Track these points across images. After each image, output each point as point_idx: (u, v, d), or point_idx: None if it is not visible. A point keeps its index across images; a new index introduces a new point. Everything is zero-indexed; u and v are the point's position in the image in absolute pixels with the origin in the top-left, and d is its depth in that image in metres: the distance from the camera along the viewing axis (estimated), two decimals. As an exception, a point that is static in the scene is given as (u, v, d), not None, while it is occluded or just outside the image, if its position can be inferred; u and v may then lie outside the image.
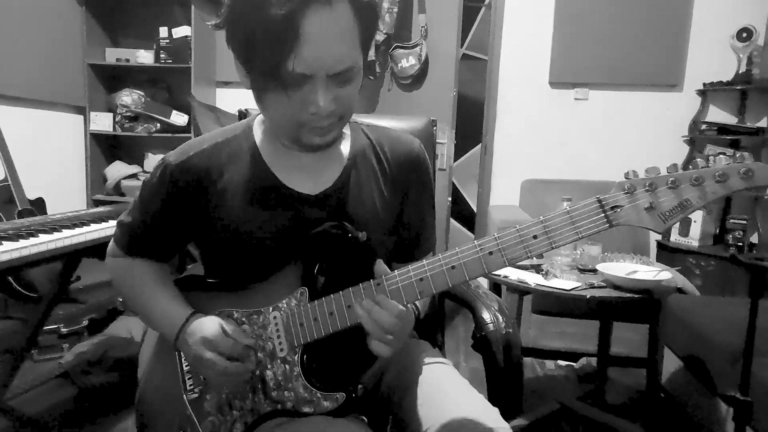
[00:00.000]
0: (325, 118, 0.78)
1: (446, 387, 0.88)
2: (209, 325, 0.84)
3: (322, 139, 0.81)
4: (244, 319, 0.87)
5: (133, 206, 0.93)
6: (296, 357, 0.83)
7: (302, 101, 0.75)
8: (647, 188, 0.69)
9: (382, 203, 0.92)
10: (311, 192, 0.88)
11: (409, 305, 0.80)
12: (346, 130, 0.95)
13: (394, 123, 1.37)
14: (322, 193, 0.88)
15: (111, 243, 0.97)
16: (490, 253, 0.73)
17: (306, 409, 0.82)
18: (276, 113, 0.80)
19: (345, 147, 0.92)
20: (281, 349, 0.84)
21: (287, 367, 0.84)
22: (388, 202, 0.93)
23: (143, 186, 0.92)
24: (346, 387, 0.83)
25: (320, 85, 0.74)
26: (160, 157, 3.23)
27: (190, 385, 0.89)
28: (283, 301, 0.84)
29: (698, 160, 0.70)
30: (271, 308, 0.85)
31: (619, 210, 0.69)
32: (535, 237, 0.71)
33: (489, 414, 0.82)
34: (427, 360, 0.93)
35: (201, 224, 0.89)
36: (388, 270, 0.80)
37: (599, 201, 0.70)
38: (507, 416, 0.84)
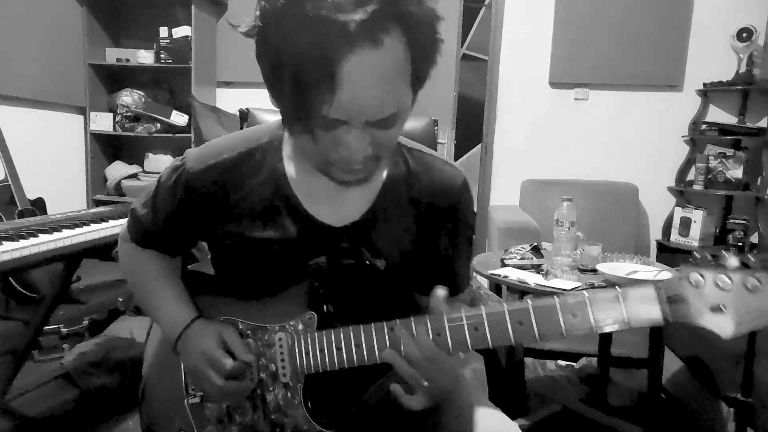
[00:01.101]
0: (358, 162, 0.68)
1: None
2: (209, 338, 0.82)
3: (353, 177, 0.71)
4: (248, 332, 0.84)
5: (146, 199, 0.89)
6: (299, 385, 0.80)
7: (333, 142, 0.66)
8: (721, 286, 0.58)
9: (408, 239, 0.84)
10: (335, 224, 0.81)
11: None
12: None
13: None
14: (347, 226, 0.81)
15: (123, 226, 0.94)
16: (520, 322, 0.66)
17: None
18: (303, 147, 0.71)
19: (379, 174, 0.82)
20: (284, 374, 0.81)
21: (289, 393, 0.81)
22: (416, 237, 0.85)
23: (158, 183, 0.87)
24: (346, 427, 0.80)
25: (355, 131, 0.64)
26: (160, 157, 3.19)
27: (191, 390, 0.88)
28: (291, 323, 0.80)
29: None
30: (277, 327, 0.81)
31: (680, 304, 0.59)
32: (574, 315, 0.64)
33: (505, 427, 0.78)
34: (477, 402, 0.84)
35: (212, 232, 0.86)
36: (443, 302, 0.72)
37: (658, 288, 0.61)
38: (510, 417, 0.84)
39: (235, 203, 0.81)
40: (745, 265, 0.57)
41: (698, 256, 0.59)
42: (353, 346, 0.75)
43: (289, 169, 0.82)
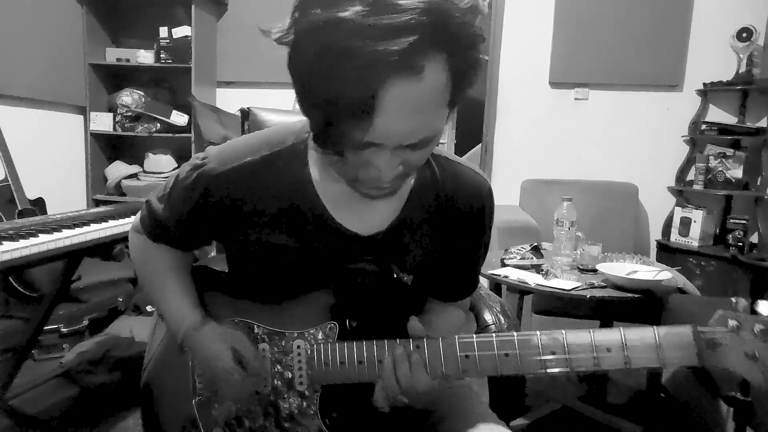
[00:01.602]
0: (387, 180, 0.67)
1: (471, 415, 0.82)
2: (220, 345, 0.81)
3: (381, 193, 0.70)
4: (264, 336, 0.82)
5: (162, 194, 0.86)
6: (316, 395, 0.78)
7: (364, 162, 0.64)
8: (757, 332, 0.58)
9: (434, 247, 0.83)
10: (361, 232, 0.79)
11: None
12: None
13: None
14: (373, 235, 0.79)
15: (136, 217, 0.92)
16: (553, 352, 0.66)
17: None
18: (330, 161, 0.69)
19: (406, 184, 0.80)
20: (300, 383, 0.79)
21: (304, 402, 0.79)
22: (441, 245, 0.83)
23: (175, 181, 0.83)
24: None
25: (387, 154, 0.63)
26: (160, 157, 3.18)
27: (200, 389, 0.86)
28: (310, 331, 0.79)
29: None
30: (295, 334, 0.80)
31: (717, 350, 0.60)
32: (608, 350, 0.63)
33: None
34: (483, 418, 0.84)
35: (230, 235, 0.83)
36: (422, 328, 0.74)
37: (696, 333, 0.61)
38: (509, 416, 0.84)
39: (256, 209, 0.78)
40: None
41: (734, 301, 0.60)
42: (376, 362, 0.74)
43: (315, 174, 0.79)
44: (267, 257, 0.80)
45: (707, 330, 0.60)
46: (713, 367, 0.61)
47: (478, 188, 0.84)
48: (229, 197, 0.78)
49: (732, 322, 0.60)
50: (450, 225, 0.83)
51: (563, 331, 0.65)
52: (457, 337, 0.71)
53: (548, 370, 0.66)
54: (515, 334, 0.68)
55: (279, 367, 0.80)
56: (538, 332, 0.67)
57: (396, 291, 0.80)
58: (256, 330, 0.83)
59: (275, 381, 0.80)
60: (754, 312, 0.60)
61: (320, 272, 0.80)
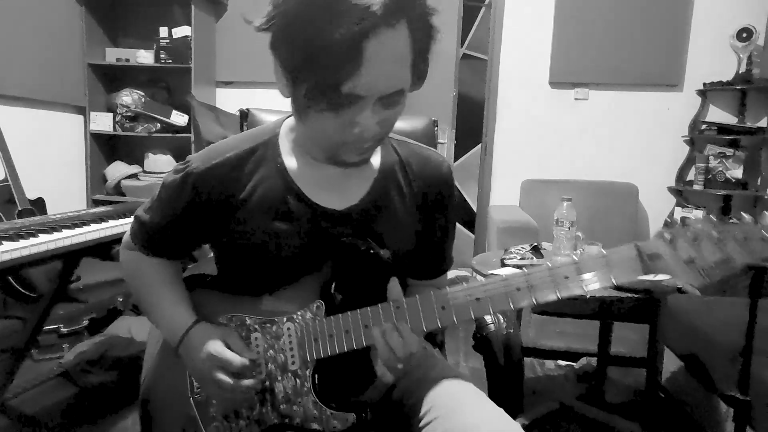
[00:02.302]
0: (367, 140, 0.75)
1: (465, 402, 0.85)
2: (213, 339, 0.83)
3: (360, 157, 0.79)
4: (256, 326, 0.85)
5: (150, 205, 0.91)
6: (308, 372, 0.82)
7: (349, 122, 0.72)
8: (689, 240, 0.65)
9: (406, 221, 0.90)
10: (337, 207, 0.85)
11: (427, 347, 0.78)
12: None
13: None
14: (348, 209, 0.86)
15: (126, 235, 0.95)
16: (518, 288, 0.71)
17: (314, 426, 0.81)
18: (317, 130, 0.76)
19: (375, 161, 0.89)
20: (293, 363, 0.82)
21: (298, 381, 0.82)
22: (412, 221, 0.90)
23: (163, 187, 0.89)
24: (358, 408, 0.81)
25: (368, 108, 0.71)
26: (160, 157, 3.19)
27: (197, 388, 0.88)
28: (298, 313, 0.83)
29: (744, 216, 0.65)
30: (285, 319, 0.83)
31: (657, 260, 0.66)
32: (566, 277, 0.69)
33: (511, 428, 0.79)
34: (441, 372, 0.91)
35: (219, 232, 0.87)
36: (400, 290, 0.79)
37: (638, 248, 0.67)
38: (508, 415, 0.84)
39: (242, 199, 0.84)
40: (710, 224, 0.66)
41: (669, 221, 0.64)
42: (362, 328, 0.78)
43: (289, 161, 0.86)
44: (255, 243, 0.84)
45: (647, 244, 0.67)
46: (663, 275, 0.67)
47: (438, 165, 0.93)
48: (215, 190, 0.84)
49: (667, 235, 0.66)
50: (419, 201, 0.91)
51: (525, 269, 0.71)
52: (432, 291, 0.76)
53: (515, 305, 0.71)
54: (483, 279, 0.74)
55: (272, 352, 0.84)
56: (503, 272, 0.73)
57: (376, 266, 0.83)
58: (248, 321, 0.86)
59: (269, 365, 0.84)
60: (688, 226, 0.67)
61: (303, 253, 0.84)
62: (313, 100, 0.71)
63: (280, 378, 0.83)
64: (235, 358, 0.81)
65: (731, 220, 0.65)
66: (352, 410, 0.81)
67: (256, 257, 0.85)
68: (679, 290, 1.78)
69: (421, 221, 0.91)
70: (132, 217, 0.95)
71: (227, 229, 0.86)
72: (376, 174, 0.88)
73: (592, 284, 0.68)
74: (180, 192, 0.85)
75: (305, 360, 0.82)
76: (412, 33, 0.69)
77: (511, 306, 0.71)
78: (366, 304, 0.79)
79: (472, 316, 0.73)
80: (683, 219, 0.68)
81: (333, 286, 0.82)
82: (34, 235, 1.32)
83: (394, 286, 0.79)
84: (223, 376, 0.81)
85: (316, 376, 0.82)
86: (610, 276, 0.67)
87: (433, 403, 0.84)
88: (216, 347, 0.82)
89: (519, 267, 1.85)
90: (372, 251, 0.82)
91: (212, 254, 0.97)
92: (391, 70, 0.69)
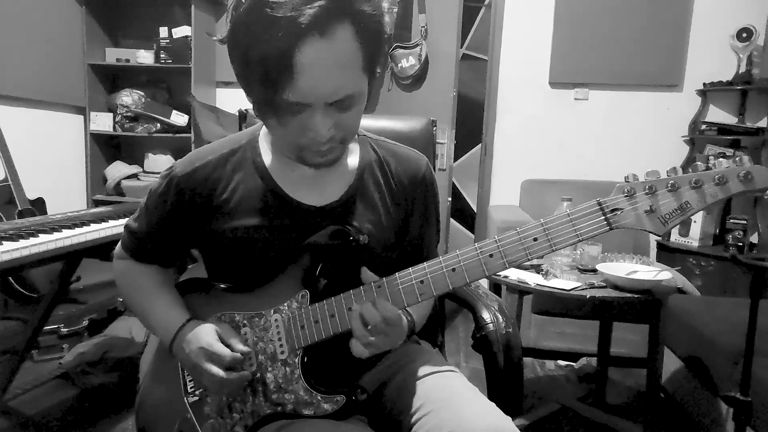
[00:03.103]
0: (325, 143, 0.77)
1: (457, 395, 0.85)
2: (206, 333, 0.85)
3: (324, 159, 0.81)
4: (245, 321, 0.87)
5: (139, 213, 0.95)
6: (297, 359, 0.84)
7: (301, 126, 0.76)
8: (647, 191, 0.69)
9: (386, 219, 0.92)
10: (316, 204, 0.88)
11: (404, 317, 0.81)
12: (354, 144, 0.95)
13: (394, 123, 1.37)
14: (327, 206, 0.89)
15: (118, 245, 0.99)
16: (491, 255, 0.73)
17: (306, 412, 0.82)
18: (276, 134, 0.81)
19: (353, 161, 0.93)
20: (282, 352, 0.85)
21: (288, 369, 0.84)
22: (392, 218, 0.93)
23: (149, 195, 0.93)
24: (347, 390, 0.83)
25: (318, 113, 0.74)
26: (160, 157, 3.20)
27: (191, 388, 0.90)
28: (285, 304, 0.85)
29: (698, 163, 0.70)
30: (272, 311, 0.86)
31: (619, 213, 0.70)
32: (535, 239, 0.72)
33: (504, 422, 0.80)
34: (433, 367, 0.92)
35: (205, 233, 0.90)
36: (376, 277, 0.80)
37: (599, 203, 0.71)
38: (508, 416, 0.84)
39: (224, 199, 0.88)
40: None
41: (629, 176, 0.71)
42: (345, 310, 0.80)
43: (269, 161, 0.90)
44: (238, 240, 0.87)
45: (608, 199, 0.71)
46: (622, 228, 0.71)
47: (417, 163, 0.96)
48: (198, 192, 0.88)
49: (626, 188, 0.70)
50: (397, 197, 0.93)
51: (495, 237, 0.74)
52: (410, 269, 0.78)
53: (489, 271, 0.74)
54: (457, 251, 0.76)
55: (261, 344, 0.86)
56: (476, 243, 0.75)
57: (356, 251, 0.85)
58: (237, 318, 0.88)
59: (259, 357, 0.86)
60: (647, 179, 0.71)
61: (286, 246, 0.86)
62: (261, 108, 0.76)
63: (270, 368, 0.85)
64: (226, 352, 0.83)
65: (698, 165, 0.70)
66: (342, 392, 0.82)
67: (240, 254, 0.88)
68: (680, 290, 1.78)
69: (401, 218, 0.94)
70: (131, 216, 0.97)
71: (211, 229, 0.89)
72: (355, 172, 0.92)
73: (559, 242, 0.71)
74: (165, 196, 0.89)
75: (294, 348, 0.84)
76: (359, 36, 0.71)
77: (486, 273, 0.74)
78: (350, 288, 0.81)
79: (450, 286, 0.76)
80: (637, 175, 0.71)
81: (317, 272, 0.84)
82: (34, 236, 1.32)
83: (366, 273, 0.81)
84: (215, 369, 0.82)
85: (306, 362, 0.84)
86: (576, 232, 0.71)
87: (426, 396, 0.85)
88: (208, 340, 0.84)
89: (519, 267, 1.85)
90: (351, 237, 0.84)
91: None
92: (331, 78, 0.71)
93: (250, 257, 0.88)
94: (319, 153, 0.79)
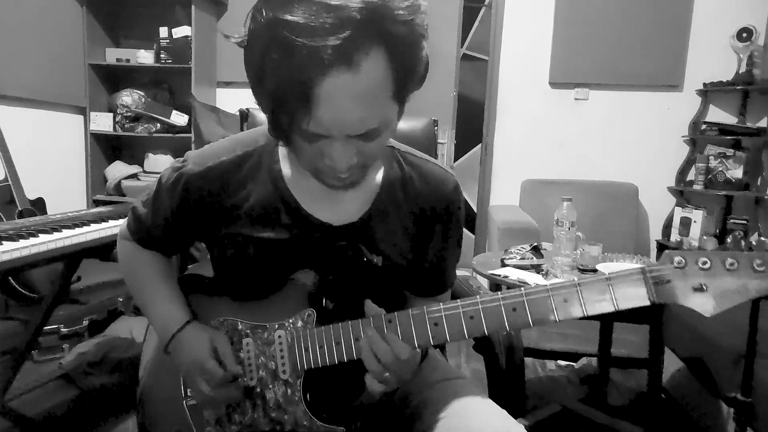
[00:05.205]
0: (342, 170, 0.70)
1: (469, 404, 0.83)
2: (201, 346, 0.83)
3: (341, 183, 0.73)
4: (248, 331, 0.85)
5: (147, 198, 0.91)
6: (298, 381, 0.81)
7: (319, 152, 0.68)
8: (701, 266, 0.61)
9: (403, 242, 0.86)
10: (333, 222, 0.83)
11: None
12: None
13: (395, 123, 1.37)
14: (345, 225, 0.83)
15: (124, 224, 0.95)
16: (514, 309, 0.68)
17: None
18: (296, 149, 0.71)
19: (376, 177, 0.85)
20: (283, 371, 0.82)
21: (288, 390, 0.82)
22: (412, 238, 0.87)
23: (159, 184, 0.88)
24: (347, 421, 0.80)
25: (339, 145, 0.66)
26: (160, 157, 3.18)
27: (189, 392, 0.88)
28: (290, 320, 0.82)
29: (763, 239, 0.64)
30: (276, 325, 0.82)
31: (665, 285, 0.63)
32: (565, 300, 0.66)
33: (517, 430, 0.78)
34: (443, 374, 0.89)
35: (212, 234, 0.87)
36: (380, 309, 0.77)
37: (643, 271, 0.64)
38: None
39: (234, 204, 0.83)
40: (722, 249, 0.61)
41: (683, 244, 0.63)
42: (352, 340, 0.76)
43: (286, 170, 0.83)
44: (247, 249, 0.83)
45: (654, 268, 0.63)
46: (670, 304, 0.63)
47: (443, 184, 0.87)
48: (207, 193, 0.83)
49: (677, 258, 0.62)
50: (418, 218, 0.86)
51: (522, 289, 0.68)
52: (425, 307, 0.73)
53: (510, 326, 0.69)
54: (478, 298, 0.70)
55: (263, 358, 0.83)
56: (499, 293, 0.69)
57: (368, 273, 0.82)
58: (239, 326, 0.85)
59: (260, 372, 0.83)
60: (700, 249, 0.63)
61: (297, 262, 0.82)
62: (275, 129, 0.69)
63: (271, 385, 0.83)
64: (217, 372, 0.81)
65: (747, 243, 0.62)
66: (342, 422, 0.80)
67: (246, 262, 0.84)
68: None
69: (420, 238, 0.88)
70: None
71: (218, 232, 0.85)
72: (376, 190, 0.85)
73: (593, 309, 0.65)
74: (172, 192, 0.85)
75: (295, 369, 0.81)
76: (391, 62, 0.62)
77: (507, 327, 0.68)
78: (358, 312, 0.78)
79: (466, 335, 0.71)
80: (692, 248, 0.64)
81: (324, 295, 0.81)
82: (34, 236, 1.31)
83: (370, 305, 0.78)
84: (203, 385, 0.81)
85: (307, 385, 0.81)
86: (613, 301, 0.64)
87: (436, 405, 0.84)
88: (201, 356, 0.81)
89: (519, 267, 1.85)
90: (365, 258, 0.80)
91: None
92: (356, 111, 0.63)
93: (256, 266, 0.84)
94: (337, 178, 0.72)
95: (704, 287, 0.61)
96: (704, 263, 0.61)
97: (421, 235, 0.87)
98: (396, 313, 0.75)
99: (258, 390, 0.83)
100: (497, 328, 0.69)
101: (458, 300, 0.72)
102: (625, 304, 0.64)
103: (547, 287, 0.67)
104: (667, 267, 0.63)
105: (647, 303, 0.63)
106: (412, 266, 0.88)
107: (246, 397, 0.84)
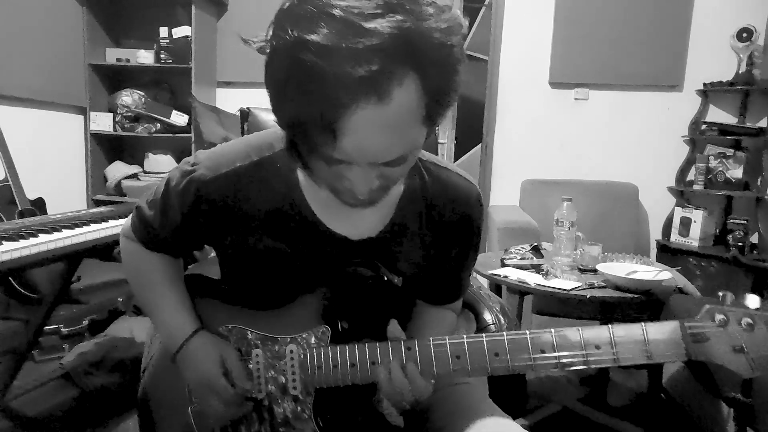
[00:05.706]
0: (363, 193, 0.66)
1: (476, 407, 0.82)
2: (211, 363, 0.81)
3: (360, 203, 0.68)
4: (258, 342, 0.82)
5: (153, 198, 0.86)
6: (309, 399, 0.79)
7: (338, 175, 0.64)
8: (744, 326, 0.59)
9: (424, 252, 0.84)
10: (351, 236, 0.79)
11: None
12: None
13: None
14: (363, 240, 0.80)
15: (127, 224, 0.91)
16: (542, 351, 0.66)
17: None
18: (313, 166, 0.67)
19: (396, 189, 0.80)
20: (294, 387, 0.79)
21: (298, 407, 0.79)
22: (430, 250, 0.84)
23: (167, 186, 0.83)
24: None
25: (360, 170, 0.62)
26: (160, 157, 3.18)
27: (195, 398, 0.86)
28: (303, 335, 0.79)
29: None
30: (288, 339, 0.80)
31: (704, 343, 0.60)
32: (597, 348, 0.64)
33: None
34: (480, 405, 0.85)
35: (223, 240, 0.83)
36: (403, 334, 0.75)
37: (683, 327, 0.62)
38: (510, 417, 0.84)
39: (247, 213, 0.79)
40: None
41: (722, 295, 0.60)
42: (368, 363, 0.74)
43: (303, 179, 0.79)
44: (259, 261, 0.80)
45: (694, 324, 0.61)
46: (706, 362, 0.62)
47: (466, 195, 0.84)
48: (220, 202, 0.78)
49: (719, 316, 0.60)
50: (438, 231, 0.84)
51: (552, 330, 0.66)
52: (447, 338, 0.72)
53: (538, 369, 0.67)
54: (505, 334, 0.69)
55: (273, 372, 0.81)
56: (527, 332, 0.67)
57: (386, 292, 0.80)
58: (249, 336, 0.83)
59: (269, 386, 0.81)
60: (742, 306, 0.61)
61: (311, 275, 0.80)
62: (291, 149, 0.66)
63: (280, 400, 0.80)
64: (228, 392, 0.79)
65: None
66: None
67: (259, 271, 0.82)
68: (680, 290, 1.78)
69: (438, 250, 0.85)
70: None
71: (230, 239, 0.81)
72: (396, 204, 0.81)
73: (626, 359, 0.64)
74: (182, 198, 0.80)
75: (307, 387, 0.78)
76: (424, 88, 0.57)
77: (533, 369, 0.67)
78: (373, 331, 0.76)
79: (489, 371, 0.69)
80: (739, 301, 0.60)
81: (340, 311, 0.79)
82: (34, 236, 1.31)
83: (393, 329, 0.76)
84: (214, 402, 0.80)
85: (318, 404, 0.79)
86: (647, 353, 0.63)
87: (445, 407, 0.83)
88: (210, 374, 0.80)
89: (519, 267, 1.85)
90: (386, 278, 0.78)
91: (213, 254, 0.96)
92: (385, 142, 0.59)
93: (268, 277, 0.81)
94: (356, 200, 0.67)
95: (745, 348, 0.59)
96: (747, 323, 0.59)
97: (440, 246, 0.85)
98: (416, 341, 0.73)
99: (266, 404, 0.81)
100: (523, 369, 0.68)
101: (483, 334, 0.71)
102: (661, 359, 0.63)
103: (580, 335, 0.65)
104: (708, 324, 0.60)
105: (684, 359, 0.62)
106: (428, 277, 0.86)
107: (253, 409, 0.82)
